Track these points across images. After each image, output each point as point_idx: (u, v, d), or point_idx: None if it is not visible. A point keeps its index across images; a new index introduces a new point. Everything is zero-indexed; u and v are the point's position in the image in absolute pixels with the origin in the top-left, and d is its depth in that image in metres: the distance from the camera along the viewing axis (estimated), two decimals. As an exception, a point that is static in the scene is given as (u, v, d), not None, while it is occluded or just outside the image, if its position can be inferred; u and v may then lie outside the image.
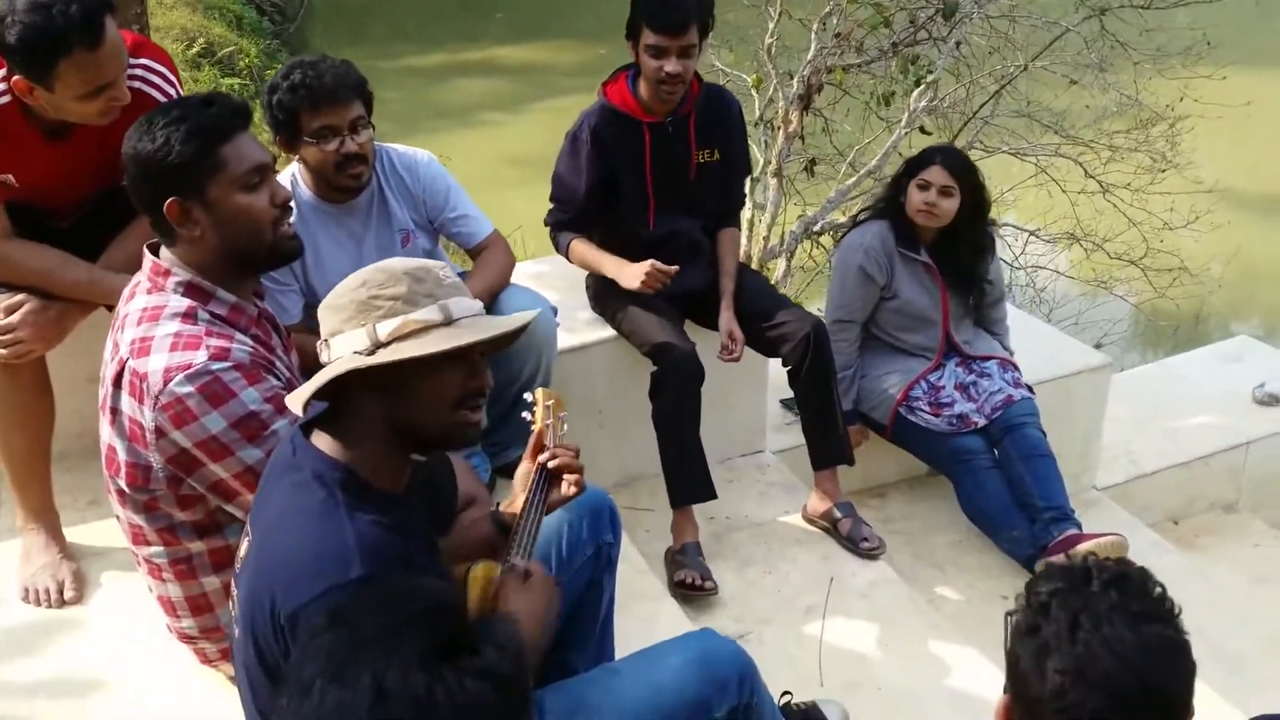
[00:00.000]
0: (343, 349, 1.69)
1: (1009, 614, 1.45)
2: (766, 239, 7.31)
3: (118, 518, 2.23)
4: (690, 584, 3.17)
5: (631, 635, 2.44)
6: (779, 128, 7.29)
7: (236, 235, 2.09)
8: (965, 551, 3.76)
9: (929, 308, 3.73)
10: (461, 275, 2.94)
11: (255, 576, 1.69)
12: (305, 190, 2.98)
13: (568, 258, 3.52)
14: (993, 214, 3.87)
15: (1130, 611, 1.36)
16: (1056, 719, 1.36)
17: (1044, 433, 3.67)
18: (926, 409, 3.69)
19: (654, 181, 3.39)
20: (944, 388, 3.71)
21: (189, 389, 1.98)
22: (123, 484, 2.12)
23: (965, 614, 3.44)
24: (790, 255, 7.33)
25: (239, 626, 1.74)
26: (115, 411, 2.08)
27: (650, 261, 3.27)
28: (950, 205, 3.61)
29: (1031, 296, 7.85)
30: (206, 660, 2.39)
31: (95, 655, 2.58)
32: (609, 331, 3.52)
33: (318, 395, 1.73)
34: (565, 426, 2.20)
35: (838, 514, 3.48)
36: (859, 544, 3.43)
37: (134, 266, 2.20)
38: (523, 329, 1.81)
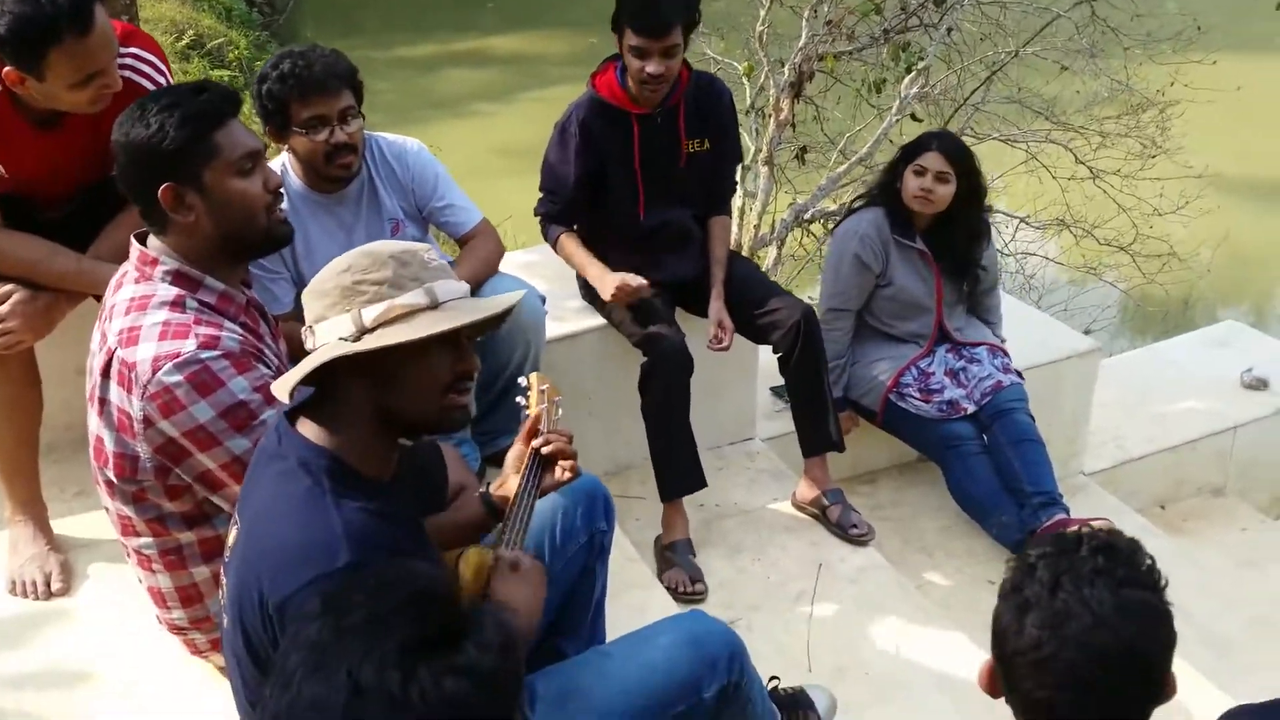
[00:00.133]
0: (328, 335, 1.69)
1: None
2: (757, 227, 7.31)
3: (106, 509, 2.23)
4: (679, 590, 3.18)
5: (622, 623, 2.44)
6: (770, 115, 7.29)
7: (231, 220, 2.09)
8: (954, 537, 3.78)
9: (923, 295, 3.74)
10: (451, 265, 2.94)
11: (243, 565, 1.69)
12: (295, 180, 2.98)
13: (555, 250, 3.53)
14: (987, 200, 3.88)
15: (1114, 576, 1.38)
16: (1031, 672, 1.38)
17: (1033, 418, 3.68)
18: (917, 395, 3.70)
19: (644, 173, 3.39)
20: (934, 374, 3.72)
21: (177, 378, 1.98)
22: (111, 475, 2.12)
23: (953, 599, 3.46)
24: (781, 243, 7.33)
25: (228, 616, 1.74)
26: (103, 402, 2.09)
27: (622, 276, 3.27)
28: (946, 191, 3.61)
29: (1021, 283, 7.86)
30: (197, 651, 2.39)
31: (84, 647, 2.58)
32: (598, 320, 3.53)
33: (303, 382, 1.73)
34: (560, 411, 2.20)
35: (827, 501, 3.50)
36: (848, 530, 3.45)
37: (122, 256, 2.20)
38: (510, 310, 1.81)
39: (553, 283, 3.58)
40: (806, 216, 7.39)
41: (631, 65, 3.22)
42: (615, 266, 3.39)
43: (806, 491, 3.54)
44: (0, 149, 2.60)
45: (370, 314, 1.67)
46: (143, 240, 2.14)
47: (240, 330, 2.12)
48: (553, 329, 3.35)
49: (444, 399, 1.75)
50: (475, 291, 2.97)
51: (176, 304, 2.07)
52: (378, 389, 1.71)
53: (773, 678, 2.46)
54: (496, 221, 3.26)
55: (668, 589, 3.15)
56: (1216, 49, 8.06)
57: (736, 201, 6.77)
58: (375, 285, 1.68)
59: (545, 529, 2.32)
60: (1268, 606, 3.69)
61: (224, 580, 1.79)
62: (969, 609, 3.36)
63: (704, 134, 3.43)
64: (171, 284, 2.09)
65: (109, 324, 2.09)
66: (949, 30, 7.36)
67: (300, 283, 2.98)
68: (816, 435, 3.52)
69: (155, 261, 2.10)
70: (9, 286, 2.65)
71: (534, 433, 2.12)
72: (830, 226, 7.24)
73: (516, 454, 2.13)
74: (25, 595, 2.72)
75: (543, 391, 2.17)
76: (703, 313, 3.47)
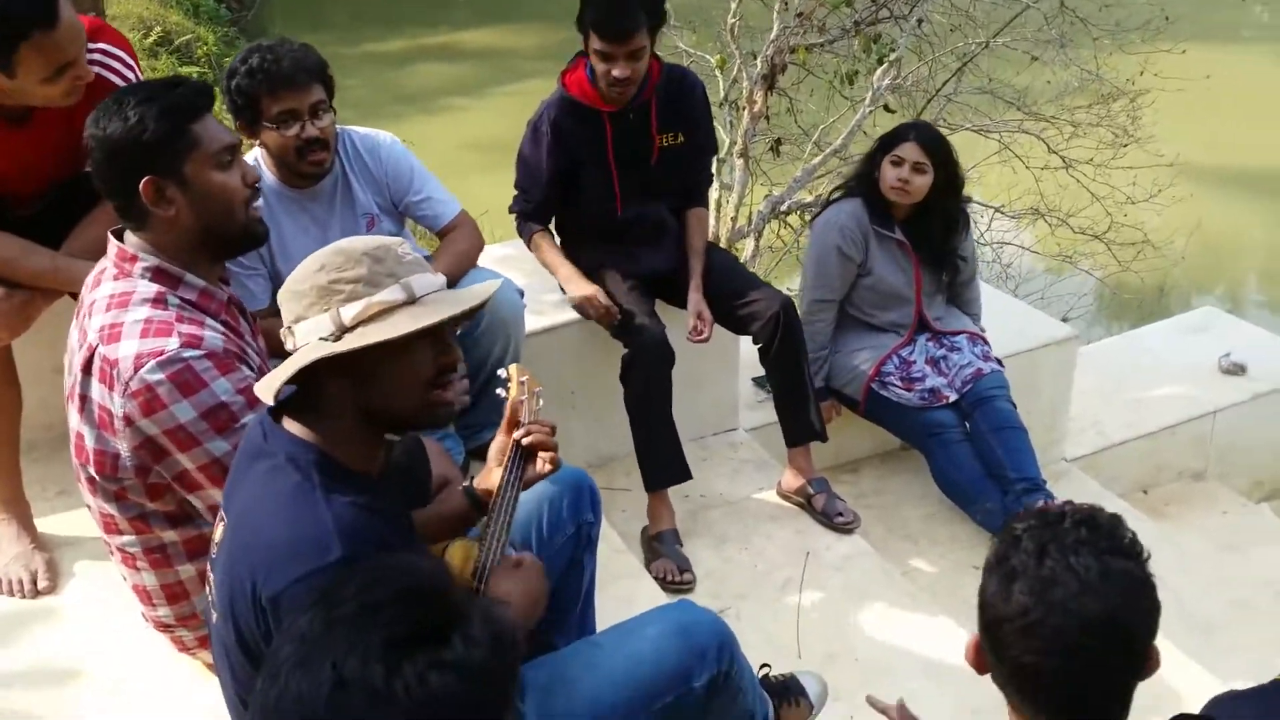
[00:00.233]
0: (307, 335, 1.67)
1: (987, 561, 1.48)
2: (734, 220, 7.32)
3: (89, 507, 2.20)
4: (668, 579, 3.18)
5: (611, 614, 2.44)
6: (744, 108, 7.29)
7: (212, 213, 2.07)
8: (938, 524, 3.79)
9: (903, 285, 3.75)
10: (428, 258, 2.92)
11: (233, 560, 1.67)
12: (268, 175, 2.95)
13: (530, 248, 3.51)
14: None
15: (1098, 546, 1.40)
16: (1019, 639, 1.39)
17: (1014, 405, 3.70)
18: (898, 384, 3.71)
19: (618, 169, 3.37)
20: (915, 362, 3.73)
21: (160, 376, 1.96)
22: (92, 472, 2.10)
23: (939, 584, 3.47)
24: (758, 235, 7.34)
25: (217, 611, 1.73)
26: (84, 399, 2.06)
27: (595, 292, 3.29)
28: (923, 182, 3.62)
29: (998, 272, 7.90)
30: (184, 648, 2.37)
31: (71, 645, 2.56)
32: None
33: (286, 381, 1.71)
34: (540, 403, 2.19)
35: (811, 490, 3.50)
36: (833, 519, 3.45)
37: (97, 253, 2.18)
38: (486, 300, 1.80)
39: (531, 276, 3.56)
40: (783, 208, 7.40)
41: (598, 68, 3.21)
42: (592, 260, 3.39)
43: (791, 481, 3.54)
44: None
45: (349, 312, 1.65)
46: (120, 237, 2.11)
47: (222, 328, 2.09)
48: (532, 323, 3.34)
49: (428, 394, 1.73)
50: (454, 285, 2.96)
51: (158, 301, 2.04)
52: (360, 387, 1.69)
53: (763, 665, 2.46)
54: (472, 216, 3.24)
55: (656, 579, 3.15)
56: (1184, 38, 8.11)
57: (713, 194, 6.78)
58: (351, 283, 1.66)
59: (531, 521, 2.31)
60: (1249, 589, 3.71)
61: (211, 576, 1.77)
62: (954, 594, 3.37)
63: (677, 127, 3.41)
64: (151, 280, 2.06)
65: (88, 321, 2.06)
66: (919, 22, 7.39)
67: (276, 279, 2.95)
68: (799, 425, 3.52)
69: (134, 258, 2.07)
70: (-17, 286, 2.62)
71: (515, 423, 2.11)
72: (807, 218, 7.27)
73: (499, 446, 2.12)
74: (11, 594, 2.70)
75: (522, 383, 2.16)
76: (682, 304, 3.46)
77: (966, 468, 3.66)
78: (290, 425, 1.72)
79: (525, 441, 2.07)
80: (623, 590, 2.91)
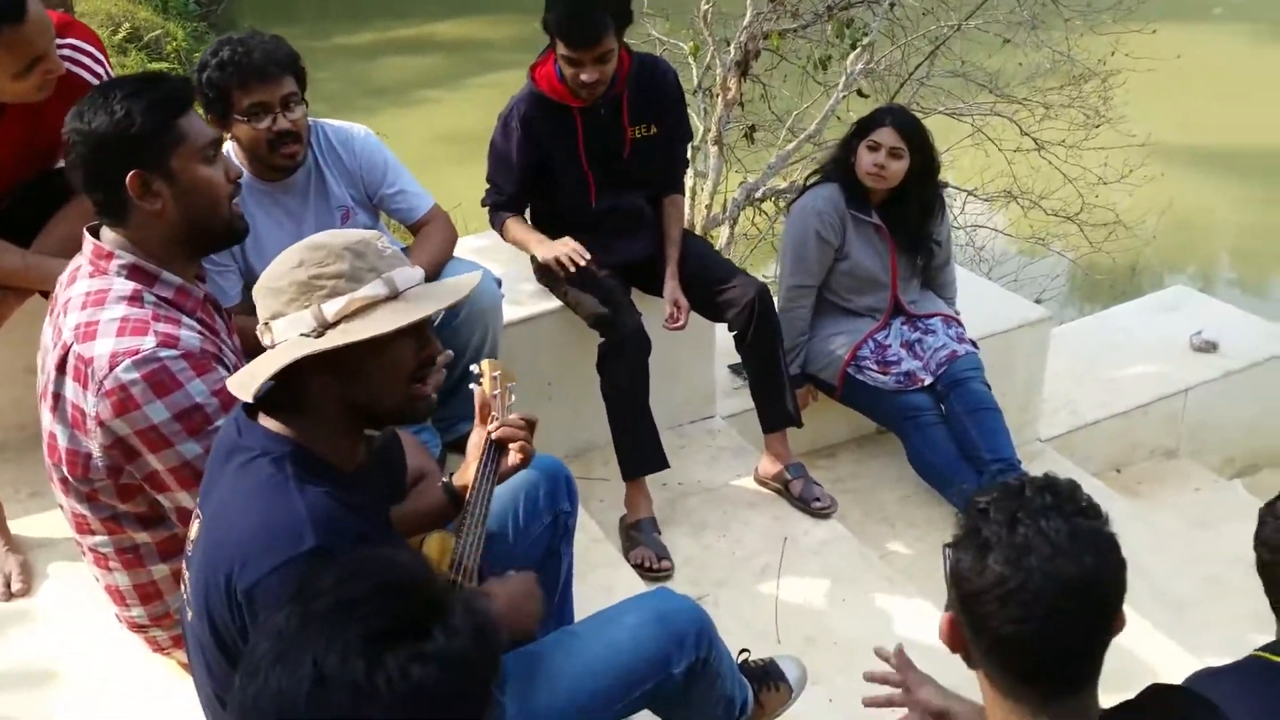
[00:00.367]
0: (286, 332, 1.66)
1: (946, 546, 1.50)
2: (709, 207, 7.32)
3: (61, 507, 2.19)
4: (646, 566, 3.19)
5: (590, 603, 2.44)
6: (717, 95, 7.29)
7: (197, 208, 2.06)
8: (914, 506, 3.81)
9: (879, 269, 3.75)
10: (404, 251, 2.92)
11: (207, 557, 1.66)
12: (241, 169, 2.93)
13: (503, 237, 3.51)
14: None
15: (1063, 510, 1.43)
16: (999, 608, 1.41)
17: (988, 386, 3.71)
18: (874, 368, 3.72)
19: (590, 163, 3.36)
20: (890, 346, 3.74)
21: (134, 375, 1.95)
22: (65, 472, 2.09)
23: (916, 567, 3.49)
24: (733, 222, 7.35)
25: (192, 609, 1.72)
26: (58, 397, 2.05)
27: (565, 241, 3.26)
28: (899, 167, 3.62)
29: (971, 255, 7.93)
30: (159, 648, 2.36)
31: (45, 647, 2.55)
32: (555, 303, 3.51)
33: (249, 370, 1.70)
34: (514, 397, 2.19)
35: (789, 475, 3.52)
36: (811, 504, 3.47)
37: (69, 251, 2.16)
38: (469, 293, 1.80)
39: (507, 266, 3.56)
40: (758, 195, 7.40)
41: (565, 71, 3.20)
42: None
43: (768, 467, 3.55)
44: None
45: (331, 308, 1.64)
46: (96, 233, 2.09)
47: (198, 327, 2.08)
48: (509, 313, 3.34)
49: (411, 388, 1.74)
50: (432, 277, 2.96)
51: (134, 299, 2.03)
52: (343, 383, 1.69)
53: (743, 650, 2.47)
54: (446, 209, 3.24)
55: (635, 567, 3.16)
56: (1155, 18, 8.15)
57: (687, 181, 6.77)
58: (333, 279, 1.65)
59: (508, 512, 2.32)
60: (1221, 565, 3.74)
61: (186, 575, 1.77)
62: (931, 576, 3.35)
63: (649, 119, 3.40)
64: (128, 278, 2.05)
65: (63, 319, 2.05)
66: (891, 5, 7.40)
67: (248, 274, 2.93)
68: (775, 411, 3.54)
69: (110, 255, 2.05)
70: (-47, 286, 2.60)
71: (489, 417, 2.12)
72: (782, 204, 7.28)
73: (476, 440, 2.13)
74: None
75: (494, 378, 2.17)
76: (658, 292, 3.47)
77: (942, 450, 3.67)
78: (266, 421, 1.71)
79: (495, 435, 2.08)
80: (601, 579, 2.92)
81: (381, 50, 13.98)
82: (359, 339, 1.62)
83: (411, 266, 1.75)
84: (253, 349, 1.78)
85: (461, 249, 3.24)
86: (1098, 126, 8.02)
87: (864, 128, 3.67)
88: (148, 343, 1.96)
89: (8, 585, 2.69)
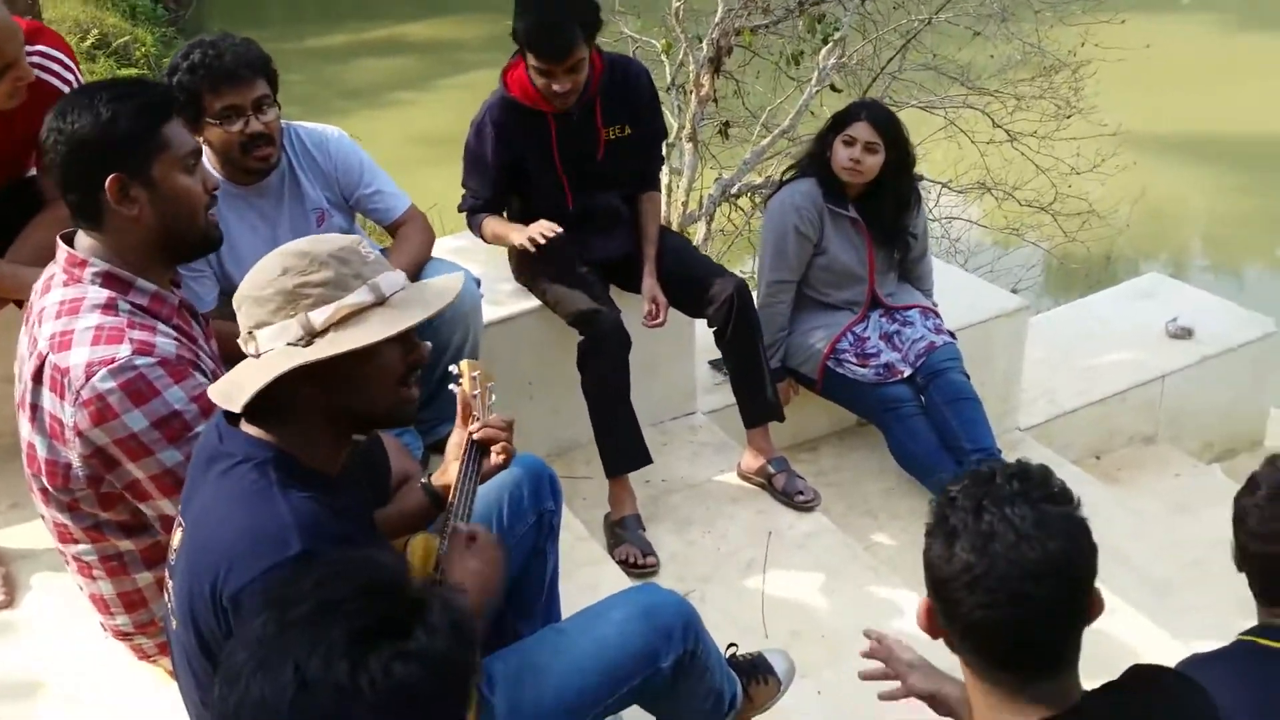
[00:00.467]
0: (272, 341, 1.65)
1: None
2: (685, 204, 7.32)
3: (42, 517, 2.17)
4: (631, 562, 3.19)
5: (576, 601, 2.44)
6: (691, 92, 7.29)
7: (174, 216, 2.04)
8: (897, 498, 3.82)
9: (856, 263, 3.76)
10: (383, 253, 2.90)
11: (191, 564, 1.65)
12: (218, 180, 2.91)
13: (483, 238, 3.50)
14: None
15: (1031, 496, 1.44)
16: (967, 595, 1.42)
17: (967, 376, 3.73)
18: (854, 360, 3.73)
19: (565, 166, 3.35)
20: (869, 339, 3.75)
21: (111, 385, 1.93)
22: (45, 483, 2.07)
23: (900, 558, 3.50)
24: (710, 219, 7.35)
25: (177, 618, 1.71)
26: (35, 408, 2.03)
27: (537, 223, 3.21)
28: (875, 162, 3.63)
29: (946, 247, 7.96)
30: (144, 656, 2.35)
31: (30, 657, 2.53)
32: (534, 302, 3.51)
33: (232, 380, 1.69)
34: (494, 397, 2.19)
35: (772, 469, 3.53)
36: (794, 497, 3.48)
37: (43, 259, 2.15)
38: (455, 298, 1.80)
39: (485, 266, 3.55)
40: (733, 191, 7.41)
41: (537, 81, 3.18)
42: (546, 250, 3.36)
43: (751, 461, 3.56)
44: None
45: (319, 317, 1.63)
46: (69, 241, 2.08)
47: (174, 333, 2.07)
48: (489, 313, 3.33)
49: (399, 392, 1.74)
50: (411, 278, 2.94)
51: (109, 307, 2.01)
52: (331, 391, 1.68)
53: (730, 645, 2.47)
54: (422, 210, 3.23)
55: (620, 563, 3.16)
56: (1124, 8, 8.20)
57: (663, 179, 6.78)
58: (319, 287, 1.64)
59: (492, 511, 2.31)
60: (1202, 549, 3.77)
61: (169, 583, 1.76)
62: (915, 567, 3.33)
63: (623, 119, 3.39)
64: (102, 286, 2.03)
65: (38, 329, 2.03)
66: (862, 0, 7.41)
67: (223, 280, 2.91)
68: (756, 406, 3.54)
69: (84, 263, 2.04)
70: (-74, 296, 2.57)
71: (469, 417, 2.12)
72: (757, 200, 7.29)
73: (457, 440, 2.12)
74: None
75: (474, 378, 2.17)
76: (637, 290, 3.47)
77: (923, 440, 3.69)
78: (248, 428, 1.70)
79: (476, 436, 2.08)
80: (587, 578, 2.92)
81: (353, 52, 13.94)
82: (350, 349, 1.62)
83: (393, 270, 1.74)
84: (231, 355, 1.77)
85: (439, 249, 3.23)
86: (1069, 117, 8.06)
87: (839, 122, 3.68)
88: (123, 351, 1.95)
89: (-10, 597, 2.66)
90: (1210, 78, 11.65)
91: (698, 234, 7.29)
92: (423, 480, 2.15)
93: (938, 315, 3.87)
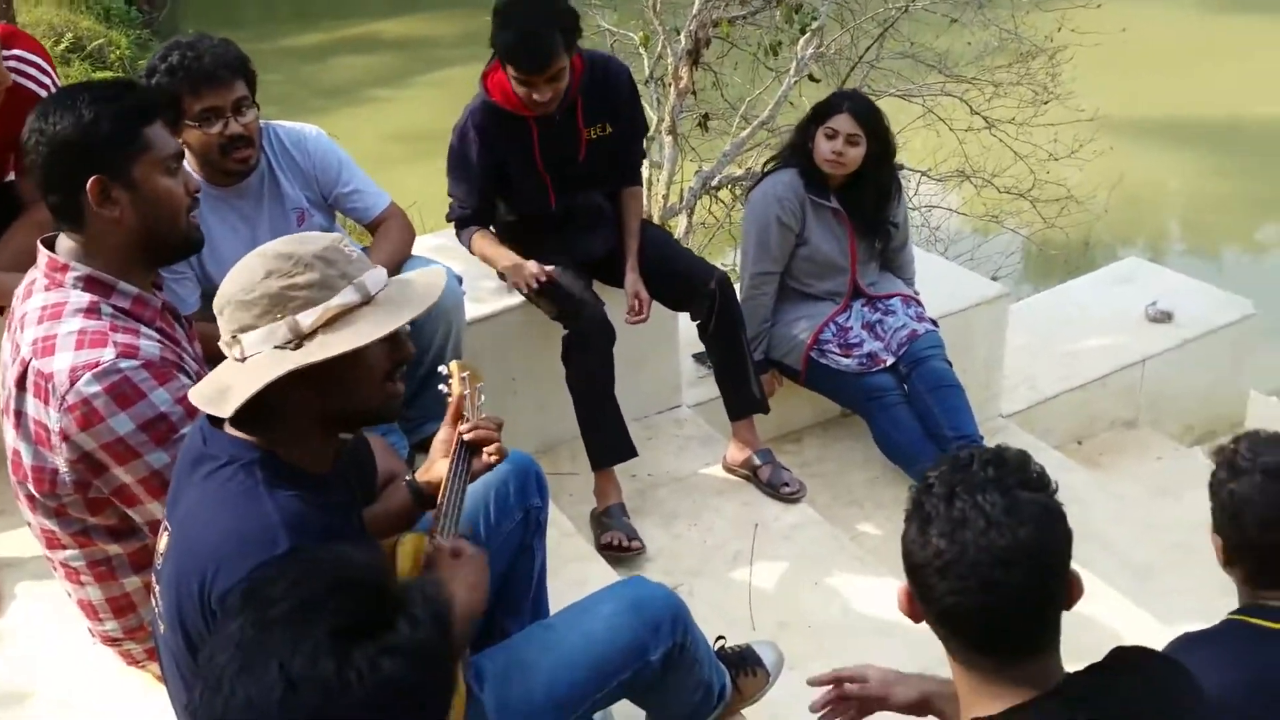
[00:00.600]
0: (259, 345, 1.64)
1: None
2: (666, 197, 7.32)
3: (29, 524, 2.17)
4: (617, 545, 3.20)
5: (564, 597, 2.45)
6: (670, 85, 7.29)
7: (156, 218, 2.04)
8: (882, 487, 3.83)
9: (838, 254, 3.77)
10: (365, 251, 2.90)
11: (179, 567, 1.65)
12: (200, 183, 2.90)
13: (470, 251, 3.48)
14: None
15: (1004, 483, 1.45)
16: (940, 580, 1.44)
17: (949, 364, 3.74)
18: (837, 350, 3.74)
19: (547, 168, 3.33)
20: (852, 329, 3.76)
21: (96, 389, 1.93)
22: (31, 489, 2.07)
23: (886, 547, 3.51)
24: (690, 212, 7.36)
25: (164, 622, 1.71)
26: (19, 414, 2.02)
27: (532, 267, 3.24)
28: (857, 154, 3.63)
29: (926, 235, 7.98)
30: (133, 661, 2.35)
31: (18, 666, 2.52)
32: (517, 299, 3.50)
33: (216, 383, 1.68)
34: (483, 397, 2.19)
35: (757, 461, 3.54)
36: (779, 489, 3.49)
37: (23, 264, 2.14)
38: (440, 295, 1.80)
39: (467, 264, 3.54)
40: (714, 183, 7.42)
41: (518, 90, 3.15)
42: (529, 250, 3.36)
43: (736, 454, 3.57)
44: None
45: (307, 319, 1.63)
46: (50, 246, 2.07)
47: (158, 336, 2.06)
48: (472, 310, 3.33)
49: (385, 388, 1.74)
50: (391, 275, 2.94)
51: (91, 311, 2.01)
52: (320, 393, 1.67)
53: (719, 637, 2.48)
54: (402, 208, 3.22)
55: (605, 548, 3.18)
56: (1100, -7, 8.23)
57: (643, 172, 6.77)
58: (305, 289, 1.64)
59: (479, 508, 2.31)
60: (1185, 532, 3.78)
61: (156, 587, 1.75)
62: (900, 556, 3.41)
63: (604, 118, 3.36)
64: (84, 290, 2.02)
65: (20, 334, 2.02)
66: (838, -11, 7.43)
67: (205, 281, 2.90)
68: (741, 398, 3.55)
69: (65, 267, 2.03)
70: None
71: (459, 417, 2.11)
72: (738, 192, 7.29)
73: (443, 438, 2.12)
74: None
75: (463, 378, 2.17)
76: (619, 285, 3.46)
77: (907, 429, 3.70)
78: (232, 430, 1.70)
79: (468, 437, 2.07)
80: (574, 573, 2.92)
81: (329, 51, 13.88)
82: (342, 351, 1.62)
83: (376, 268, 1.74)
84: (214, 356, 1.77)
85: (421, 247, 3.23)
86: (1046, 103, 8.08)
87: (821, 113, 3.68)
88: (107, 354, 1.94)
89: (-24, 606, 2.65)
90: (1187, 61, 11.71)
91: (679, 227, 7.29)
92: (407, 478, 2.15)
93: (919, 304, 3.88)
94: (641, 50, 7.53)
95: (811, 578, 3.18)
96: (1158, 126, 10.53)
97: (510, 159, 3.32)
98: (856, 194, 3.73)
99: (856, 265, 3.79)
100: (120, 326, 2.01)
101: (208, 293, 2.84)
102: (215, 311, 1.70)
